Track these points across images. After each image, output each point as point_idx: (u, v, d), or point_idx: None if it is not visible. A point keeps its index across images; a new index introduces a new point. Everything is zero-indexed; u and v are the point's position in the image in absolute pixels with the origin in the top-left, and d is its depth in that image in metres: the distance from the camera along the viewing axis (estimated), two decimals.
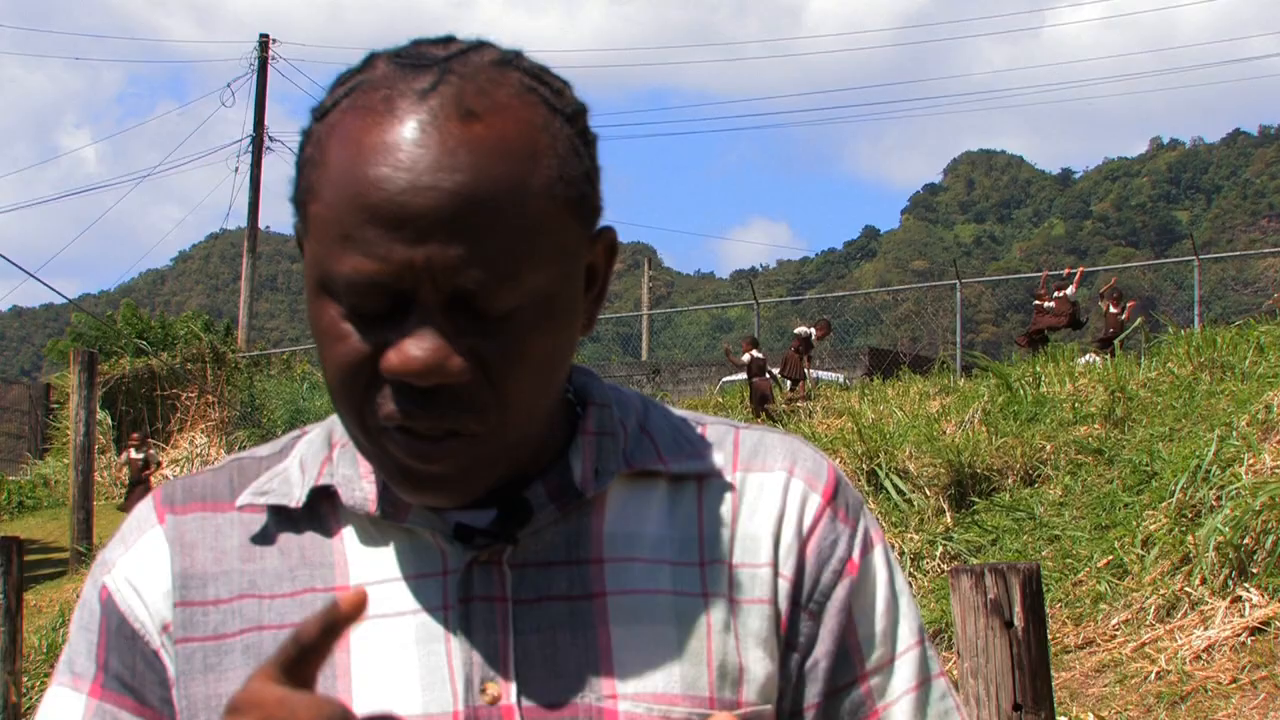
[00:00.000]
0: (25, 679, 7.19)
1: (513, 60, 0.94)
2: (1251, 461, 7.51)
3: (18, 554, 5.94)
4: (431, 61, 0.91)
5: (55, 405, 20.76)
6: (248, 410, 19.05)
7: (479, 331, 0.89)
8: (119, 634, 1.00)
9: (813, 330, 17.58)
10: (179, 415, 19.61)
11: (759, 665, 0.99)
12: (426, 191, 0.86)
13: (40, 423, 22.02)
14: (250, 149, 27.30)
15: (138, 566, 1.01)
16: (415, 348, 0.88)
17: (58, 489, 17.26)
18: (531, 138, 0.91)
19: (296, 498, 1.00)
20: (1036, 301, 19.27)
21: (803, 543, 1.02)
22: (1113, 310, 18.03)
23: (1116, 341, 14.56)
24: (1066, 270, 20.76)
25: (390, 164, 0.87)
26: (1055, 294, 19.30)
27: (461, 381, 0.89)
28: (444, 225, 0.86)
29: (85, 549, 11.80)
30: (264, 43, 28.00)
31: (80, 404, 12.03)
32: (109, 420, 19.04)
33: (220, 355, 20.49)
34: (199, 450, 18.51)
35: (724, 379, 21.62)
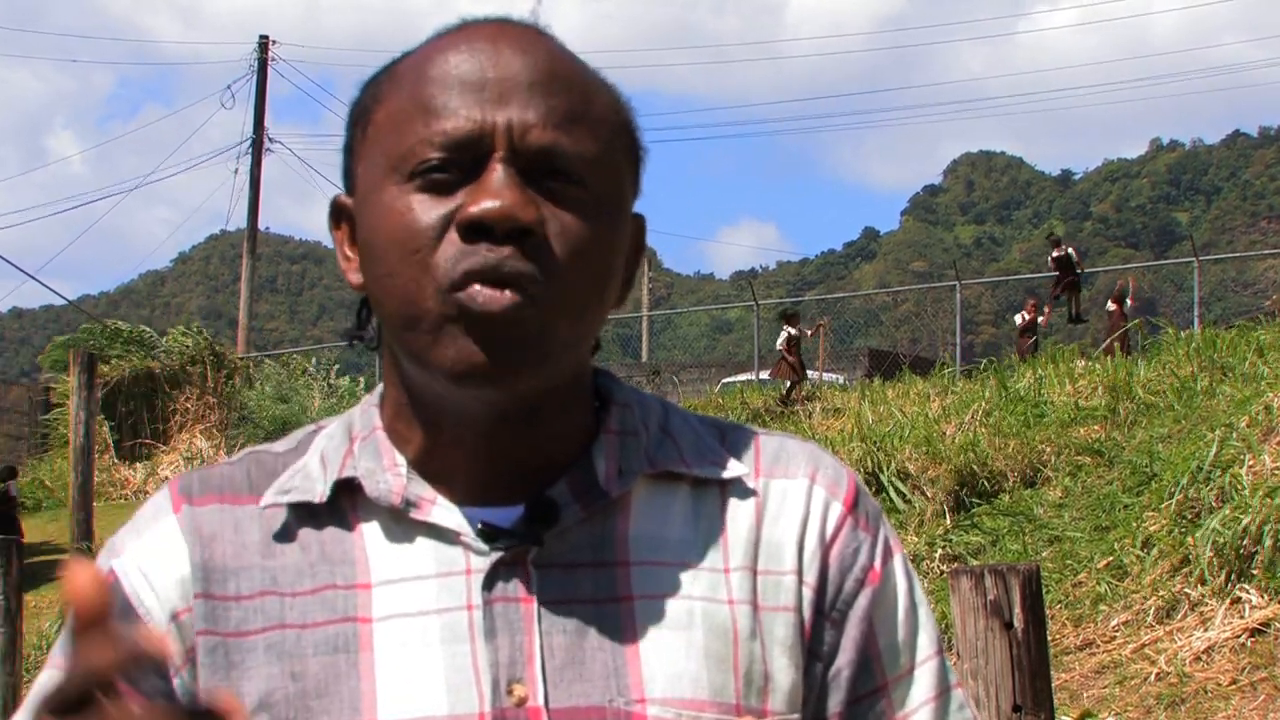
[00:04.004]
0: (25, 679, 7.18)
1: None
2: (1251, 463, 7.51)
3: (18, 555, 5.94)
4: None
5: (55, 404, 20.74)
6: (247, 412, 19.05)
7: (549, 201, 0.93)
8: (121, 618, 0.98)
9: (788, 331, 17.42)
10: (178, 417, 19.61)
11: (784, 674, 0.99)
12: (508, 64, 0.94)
13: (40, 424, 22.01)
14: (250, 150, 27.31)
15: (150, 553, 1.00)
16: (494, 193, 0.92)
17: (57, 490, 17.25)
18: (594, 71, 1.00)
19: (320, 492, 1.00)
20: (1024, 312, 19.28)
21: (826, 550, 1.02)
22: (1112, 307, 18.05)
23: (1113, 344, 14.59)
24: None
25: (471, 47, 0.96)
26: (1054, 254, 19.42)
27: (536, 232, 0.92)
28: (523, 91, 0.94)
29: (85, 550, 11.79)
30: (263, 44, 28.01)
31: (80, 406, 12.03)
32: (107, 423, 19.02)
33: (219, 356, 20.48)
34: (198, 452, 18.51)
35: (723, 380, 21.63)
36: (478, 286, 0.91)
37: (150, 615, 0.99)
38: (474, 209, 0.91)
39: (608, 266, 0.97)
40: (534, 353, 0.93)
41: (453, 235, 0.92)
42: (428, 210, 0.93)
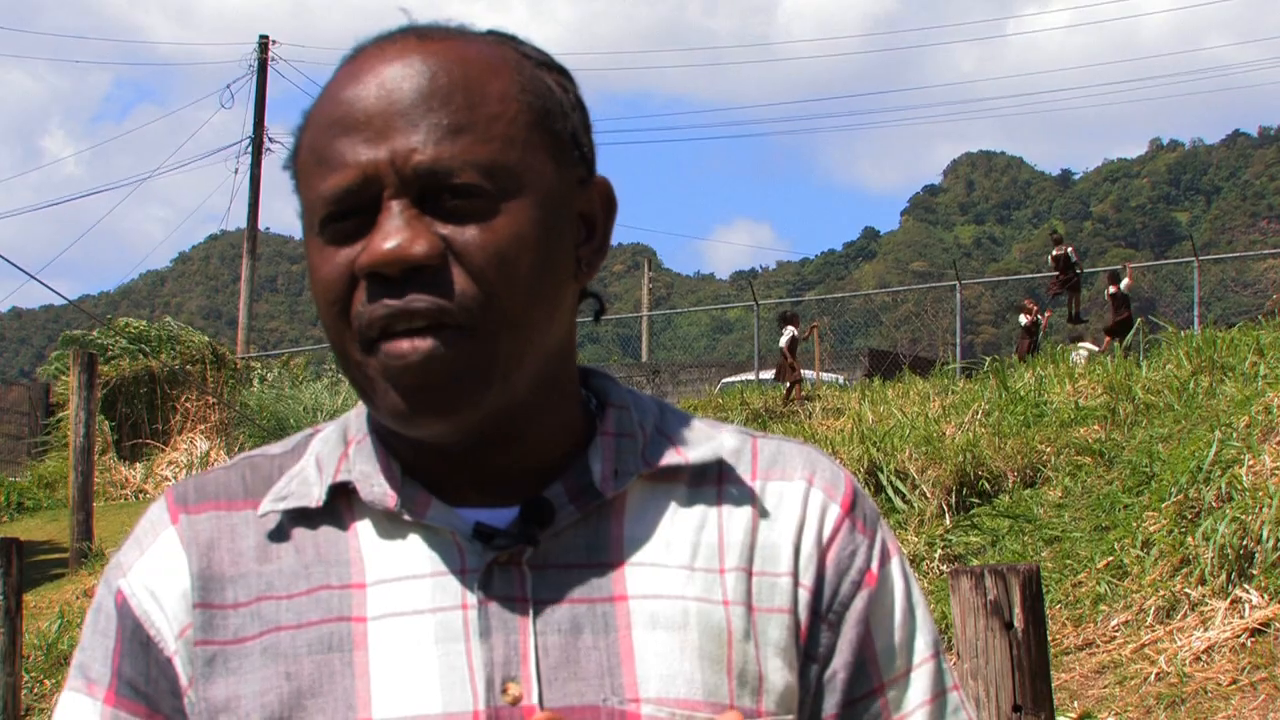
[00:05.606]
0: (25, 679, 7.18)
1: (488, 30, 1.01)
2: (1251, 463, 7.51)
3: (17, 555, 5.93)
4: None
5: (54, 405, 20.72)
6: (248, 412, 19.05)
7: (451, 220, 0.93)
8: (134, 640, 1.00)
9: (788, 332, 17.42)
10: (178, 417, 19.60)
11: (778, 675, 0.99)
12: (389, 93, 0.93)
13: (39, 424, 21.99)
14: (250, 149, 27.30)
15: (154, 570, 1.01)
16: (381, 238, 0.91)
17: (57, 490, 17.24)
18: (491, 55, 0.97)
19: (316, 497, 1.00)
20: (1024, 315, 19.28)
21: (822, 553, 1.02)
22: (1111, 290, 18.08)
23: (1116, 324, 14.62)
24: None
25: (357, 81, 0.94)
26: (1054, 252, 19.47)
27: (431, 264, 0.91)
28: (401, 118, 0.92)
29: (85, 550, 11.78)
30: (263, 44, 28.00)
31: (80, 405, 12.02)
32: (108, 423, 19.01)
33: (220, 356, 20.48)
34: (199, 452, 18.51)
35: (723, 381, 21.62)
36: (391, 343, 0.92)
37: (160, 635, 1.00)
38: (363, 260, 0.92)
39: (538, 258, 0.95)
40: (468, 387, 0.93)
41: (364, 285, 0.93)
42: (336, 263, 0.94)
